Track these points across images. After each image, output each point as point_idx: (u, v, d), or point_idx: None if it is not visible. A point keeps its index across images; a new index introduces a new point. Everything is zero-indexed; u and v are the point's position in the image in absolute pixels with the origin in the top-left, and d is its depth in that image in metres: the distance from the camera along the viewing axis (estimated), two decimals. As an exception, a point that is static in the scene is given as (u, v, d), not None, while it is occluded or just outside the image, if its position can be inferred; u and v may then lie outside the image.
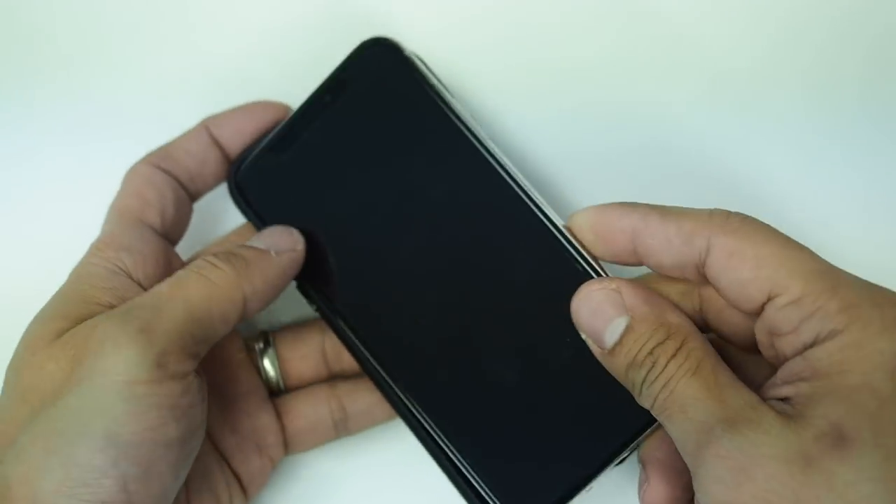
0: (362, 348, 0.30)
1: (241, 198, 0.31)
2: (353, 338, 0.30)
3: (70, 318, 0.27)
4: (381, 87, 0.30)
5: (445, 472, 0.29)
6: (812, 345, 0.23)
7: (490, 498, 0.29)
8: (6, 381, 0.27)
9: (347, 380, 0.33)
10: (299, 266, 0.30)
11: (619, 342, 0.25)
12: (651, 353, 0.25)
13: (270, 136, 0.31)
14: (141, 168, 0.31)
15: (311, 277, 0.30)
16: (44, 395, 0.25)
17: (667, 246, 0.26)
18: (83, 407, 0.25)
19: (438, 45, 0.34)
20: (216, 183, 0.33)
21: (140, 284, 0.29)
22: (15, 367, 0.27)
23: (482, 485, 0.29)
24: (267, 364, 0.33)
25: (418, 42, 0.32)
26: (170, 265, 0.30)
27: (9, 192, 0.37)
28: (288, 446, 0.33)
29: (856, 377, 0.22)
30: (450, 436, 0.29)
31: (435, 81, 0.30)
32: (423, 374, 0.30)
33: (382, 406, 0.32)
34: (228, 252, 0.28)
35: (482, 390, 0.29)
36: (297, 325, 0.34)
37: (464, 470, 0.29)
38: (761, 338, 0.25)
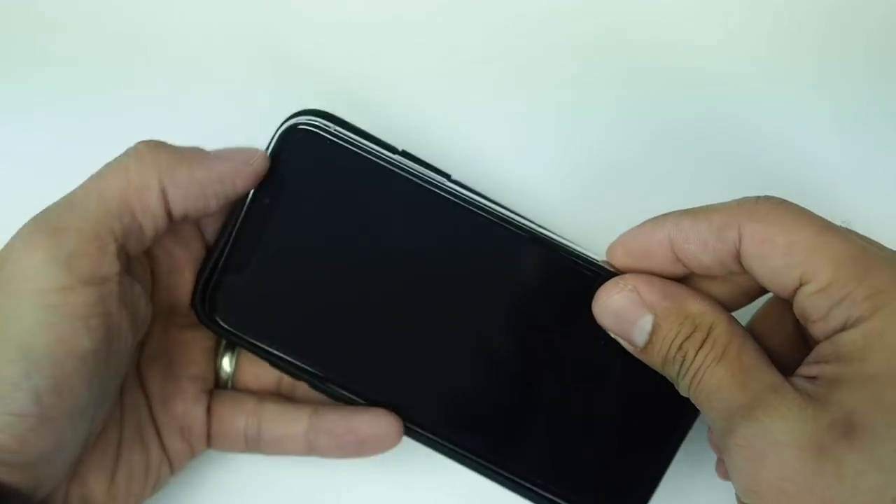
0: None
1: (219, 327, 0.30)
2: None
3: None
4: (315, 169, 0.29)
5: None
6: (840, 330, 0.23)
7: None
8: None
9: (276, 401, 0.31)
10: (246, 181, 0.28)
11: (650, 341, 0.25)
12: (680, 347, 0.25)
13: (218, 254, 0.29)
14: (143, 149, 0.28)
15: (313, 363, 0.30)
16: None
17: (703, 246, 0.25)
18: None
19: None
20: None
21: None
22: None
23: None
24: (225, 363, 0.32)
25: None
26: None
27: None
28: (210, 441, 0.32)
29: (875, 365, 0.22)
30: (529, 478, 0.29)
31: (366, 143, 0.28)
32: (477, 421, 0.29)
33: (295, 441, 0.31)
34: (157, 142, 0.27)
35: (535, 418, 0.29)
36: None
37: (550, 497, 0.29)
38: (799, 317, 0.25)
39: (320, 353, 0.29)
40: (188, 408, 0.31)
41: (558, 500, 0.29)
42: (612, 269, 0.27)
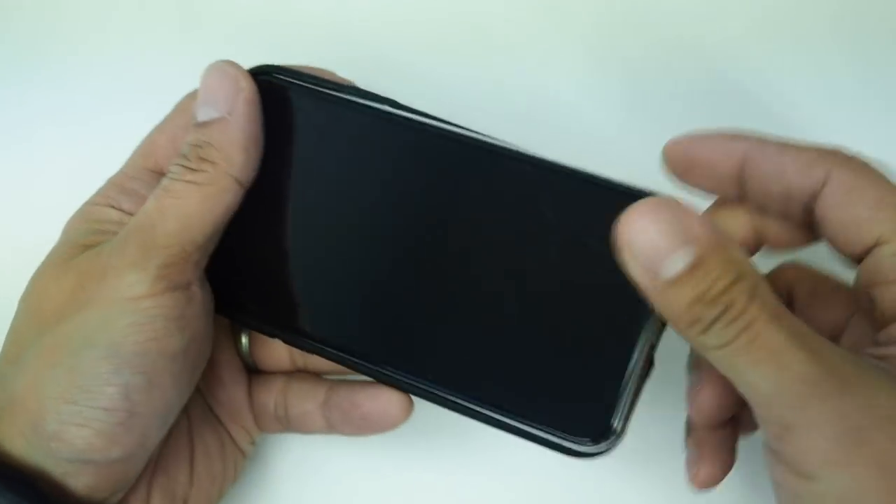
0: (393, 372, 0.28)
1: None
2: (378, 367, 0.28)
3: (77, 245, 0.27)
4: (279, 115, 0.27)
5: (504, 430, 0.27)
6: None
7: (553, 435, 0.26)
8: (17, 309, 0.27)
9: (301, 379, 0.31)
10: (253, 103, 0.27)
11: (688, 274, 0.21)
12: (725, 291, 0.21)
13: None
14: (187, 104, 0.29)
15: (311, 325, 0.28)
16: (48, 316, 0.26)
17: (780, 173, 0.24)
18: (87, 323, 0.25)
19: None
20: None
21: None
22: (25, 294, 0.27)
23: (538, 428, 0.26)
24: (243, 340, 0.32)
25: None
26: None
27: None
28: (257, 424, 0.32)
29: None
30: (483, 401, 0.27)
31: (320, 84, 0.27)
32: (431, 346, 0.27)
33: (314, 418, 0.31)
34: (194, 146, 0.26)
35: (493, 341, 0.27)
36: None
37: (515, 425, 0.26)
38: (859, 286, 0.24)
39: (316, 319, 0.28)
40: (230, 393, 0.31)
41: (520, 422, 0.26)
42: (597, 183, 0.25)
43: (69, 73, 0.38)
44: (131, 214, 0.28)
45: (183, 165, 0.26)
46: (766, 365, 0.21)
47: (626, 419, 0.25)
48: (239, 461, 0.32)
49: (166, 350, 0.25)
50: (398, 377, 0.28)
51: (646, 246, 0.21)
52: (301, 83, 0.27)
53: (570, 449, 0.26)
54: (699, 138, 0.26)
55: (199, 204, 0.26)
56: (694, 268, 0.21)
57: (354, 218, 0.28)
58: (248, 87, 0.27)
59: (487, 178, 0.26)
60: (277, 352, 0.32)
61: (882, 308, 0.23)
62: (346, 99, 0.27)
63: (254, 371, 0.32)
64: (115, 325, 0.25)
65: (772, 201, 0.25)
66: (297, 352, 0.31)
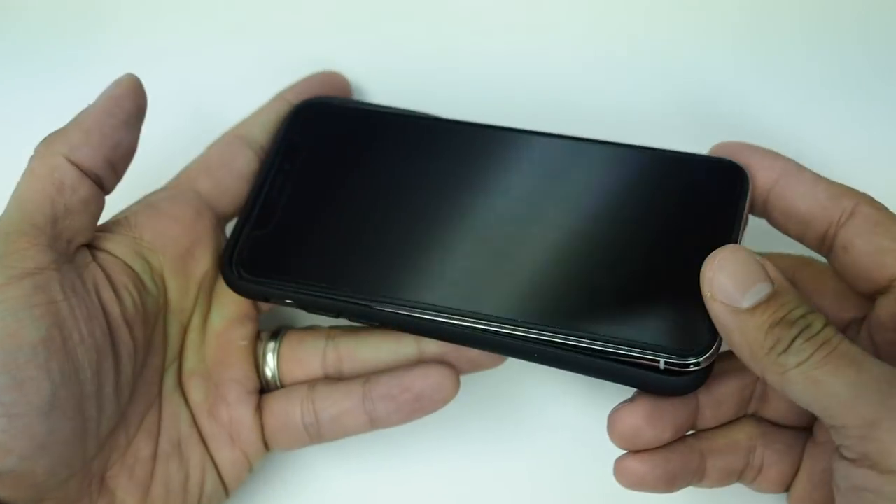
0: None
1: (249, 282, 0.29)
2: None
3: None
4: (331, 131, 0.32)
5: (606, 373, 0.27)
6: None
7: (658, 356, 0.26)
8: None
9: (328, 383, 0.31)
10: (115, 99, 0.28)
11: (766, 303, 0.24)
12: (804, 316, 0.24)
13: (242, 218, 0.30)
14: (223, 138, 0.32)
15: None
16: None
17: (810, 196, 0.27)
18: None
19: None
20: None
21: (132, 234, 0.29)
22: None
23: (643, 351, 0.26)
24: (269, 358, 0.32)
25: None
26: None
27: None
28: (268, 444, 0.31)
29: None
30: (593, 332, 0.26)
31: (374, 107, 0.33)
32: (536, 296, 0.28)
33: (354, 416, 0.30)
34: (48, 135, 0.28)
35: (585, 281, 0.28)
36: (306, 329, 0.33)
37: (620, 352, 0.26)
38: (884, 319, 0.26)
39: (354, 280, 0.29)
40: (234, 413, 0.30)
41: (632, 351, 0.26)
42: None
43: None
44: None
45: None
46: (847, 370, 0.23)
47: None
48: (215, 498, 0.30)
49: (23, 342, 0.24)
50: (490, 327, 0.27)
51: (727, 281, 0.24)
52: (346, 106, 0.33)
53: (672, 370, 0.26)
54: (749, 147, 0.29)
55: (31, 185, 0.26)
56: (772, 298, 0.24)
57: (419, 197, 0.30)
58: (125, 83, 0.28)
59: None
60: (308, 359, 0.31)
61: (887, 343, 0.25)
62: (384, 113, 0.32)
63: (268, 390, 0.32)
64: None
65: (792, 220, 0.27)
66: (330, 361, 0.31)
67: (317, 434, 0.31)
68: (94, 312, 0.26)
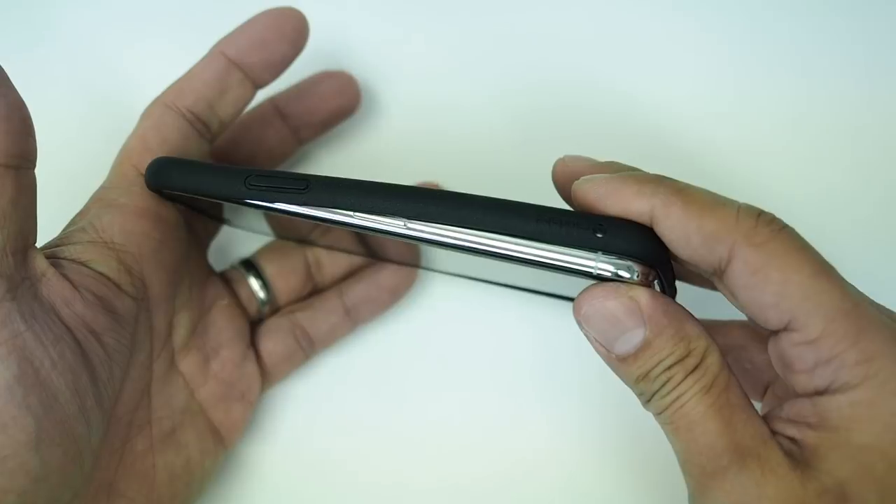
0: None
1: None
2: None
3: None
4: None
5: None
6: (824, 392, 0.22)
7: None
8: None
9: (303, 308, 0.33)
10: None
11: (634, 355, 0.24)
12: (669, 368, 0.23)
13: None
14: (152, 109, 0.29)
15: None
16: None
17: (685, 242, 0.23)
18: None
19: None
20: (240, 108, 0.31)
21: (102, 238, 0.27)
22: None
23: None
24: (255, 286, 0.33)
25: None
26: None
27: None
28: (267, 379, 0.33)
29: (865, 437, 0.22)
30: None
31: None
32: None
33: (342, 326, 0.34)
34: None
35: None
36: (277, 245, 0.34)
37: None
38: (774, 357, 0.24)
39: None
40: (243, 370, 0.32)
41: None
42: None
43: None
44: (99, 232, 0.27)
45: None
46: (682, 435, 0.23)
47: None
48: (219, 458, 0.31)
49: None
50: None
51: (601, 325, 0.24)
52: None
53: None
54: (609, 188, 0.24)
55: None
56: (642, 349, 0.23)
57: None
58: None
59: None
60: (297, 275, 0.34)
61: (791, 383, 0.24)
62: None
63: (261, 318, 0.33)
64: None
65: (684, 263, 0.24)
66: (313, 264, 0.34)
67: (311, 350, 0.34)
68: (59, 333, 0.25)
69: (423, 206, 0.24)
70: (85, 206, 0.28)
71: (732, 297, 0.24)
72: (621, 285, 0.24)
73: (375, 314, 0.34)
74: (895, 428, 0.21)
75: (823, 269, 0.22)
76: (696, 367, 0.23)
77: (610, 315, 0.24)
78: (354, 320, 0.34)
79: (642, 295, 0.23)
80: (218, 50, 0.30)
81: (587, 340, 0.25)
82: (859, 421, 0.22)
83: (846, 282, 0.23)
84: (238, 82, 0.30)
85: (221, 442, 0.32)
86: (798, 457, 0.22)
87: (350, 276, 0.34)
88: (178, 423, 0.30)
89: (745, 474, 0.22)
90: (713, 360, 0.23)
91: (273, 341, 0.33)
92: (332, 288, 0.34)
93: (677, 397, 0.23)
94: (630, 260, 0.23)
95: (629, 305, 0.23)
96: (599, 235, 0.23)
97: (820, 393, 0.23)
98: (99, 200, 0.28)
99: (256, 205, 0.25)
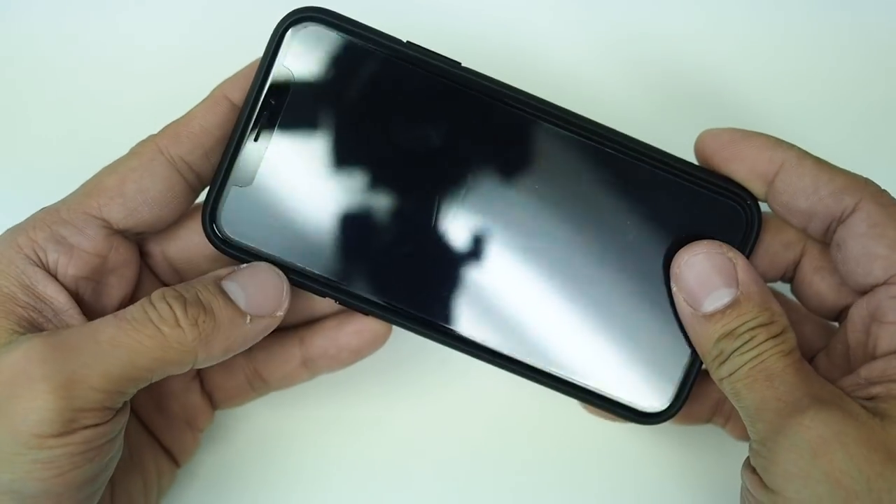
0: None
1: (230, 247, 0.28)
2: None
3: None
4: (320, 67, 0.27)
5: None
6: None
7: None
8: None
9: (260, 347, 0.30)
10: (270, 330, 0.27)
11: (722, 312, 0.25)
12: (753, 329, 0.25)
13: (224, 168, 0.28)
14: (143, 150, 0.27)
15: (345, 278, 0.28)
16: None
17: (811, 191, 0.26)
18: None
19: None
20: None
21: (65, 286, 0.26)
22: None
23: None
24: None
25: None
26: (118, 269, 0.28)
27: None
28: (217, 407, 0.33)
29: None
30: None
31: (371, 35, 0.27)
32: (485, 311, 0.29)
33: (297, 374, 0.32)
34: (198, 300, 0.25)
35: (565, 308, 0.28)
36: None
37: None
38: (856, 319, 0.26)
39: (337, 261, 0.28)
40: (185, 400, 0.31)
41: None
42: (649, 155, 0.27)
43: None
44: (52, 275, 0.26)
45: (171, 310, 0.25)
46: (759, 385, 0.24)
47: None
48: (172, 479, 0.32)
49: (73, 483, 0.24)
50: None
51: (692, 281, 0.25)
52: (349, 30, 0.27)
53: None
54: (745, 136, 0.27)
55: (151, 361, 0.24)
56: (731, 307, 0.25)
57: (397, 168, 0.28)
58: (279, 319, 0.27)
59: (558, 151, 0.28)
60: None
61: (874, 343, 0.25)
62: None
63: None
64: (18, 462, 0.23)
65: (794, 215, 0.26)
66: None
67: (265, 389, 0.32)
68: (121, 438, 0.26)
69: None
70: (34, 218, 0.26)
71: (836, 247, 0.26)
72: (722, 244, 0.26)
73: (335, 369, 0.32)
74: None
75: None
76: (778, 334, 0.25)
77: (707, 268, 0.25)
78: (312, 371, 0.32)
79: (739, 258, 0.26)
80: (221, 94, 0.28)
81: (674, 294, 0.26)
82: None
83: None
84: None
85: (175, 462, 0.32)
86: (877, 411, 0.23)
87: (316, 320, 0.32)
88: (135, 449, 0.30)
89: (826, 413, 0.23)
90: (792, 335, 0.25)
91: (222, 377, 0.32)
92: (293, 332, 0.32)
93: (758, 353, 0.24)
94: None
95: (726, 264, 0.25)
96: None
97: None
98: (49, 226, 0.26)
99: None
